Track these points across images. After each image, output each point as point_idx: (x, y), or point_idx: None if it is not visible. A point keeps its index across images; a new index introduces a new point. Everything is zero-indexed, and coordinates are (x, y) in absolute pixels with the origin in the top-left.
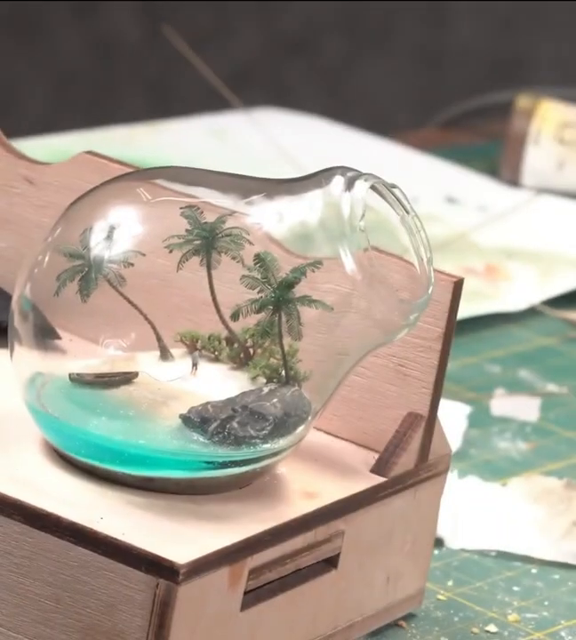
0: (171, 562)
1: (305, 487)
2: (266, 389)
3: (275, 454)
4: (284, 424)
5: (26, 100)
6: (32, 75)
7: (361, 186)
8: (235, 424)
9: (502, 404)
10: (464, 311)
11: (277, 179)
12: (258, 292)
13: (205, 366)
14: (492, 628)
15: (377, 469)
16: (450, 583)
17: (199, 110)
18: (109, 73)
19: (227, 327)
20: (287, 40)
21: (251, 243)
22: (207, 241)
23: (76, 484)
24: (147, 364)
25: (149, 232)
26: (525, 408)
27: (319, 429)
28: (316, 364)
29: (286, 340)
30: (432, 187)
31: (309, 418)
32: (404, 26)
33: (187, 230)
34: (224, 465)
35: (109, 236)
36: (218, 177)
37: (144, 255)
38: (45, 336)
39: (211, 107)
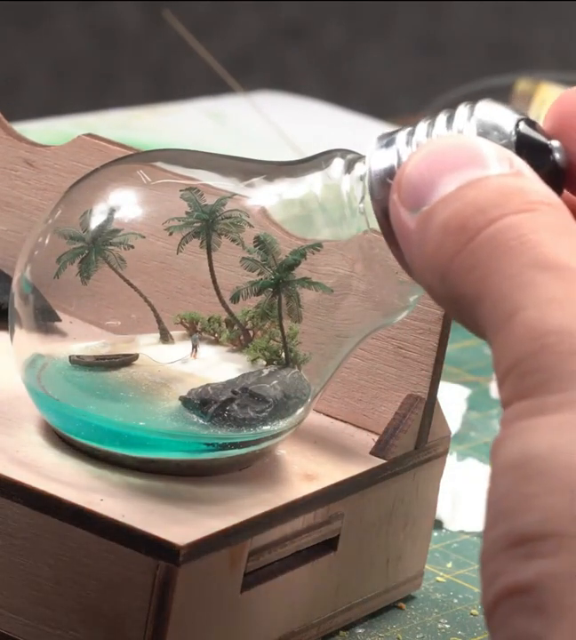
0: (171, 543)
1: (304, 469)
2: (266, 371)
3: (274, 436)
4: (283, 406)
5: (27, 86)
6: (33, 60)
7: (361, 168)
8: (234, 406)
9: None
10: None
11: (277, 161)
12: (258, 274)
13: (205, 348)
14: None
15: (376, 451)
16: (449, 565)
17: (200, 96)
18: (110, 59)
19: (226, 309)
20: (288, 26)
21: (251, 225)
22: (207, 223)
23: (76, 466)
24: (147, 346)
25: (149, 214)
26: None
27: (319, 411)
28: (316, 347)
29: (286, 323)
30: None
31: (309, 400)
32: (405, 10)
33: (187, 212)
34: (224, 447)
35: (109, 219)
36: (218, 159)
37: (144, 237)
38: (45, 318)
39: (212, 92)
